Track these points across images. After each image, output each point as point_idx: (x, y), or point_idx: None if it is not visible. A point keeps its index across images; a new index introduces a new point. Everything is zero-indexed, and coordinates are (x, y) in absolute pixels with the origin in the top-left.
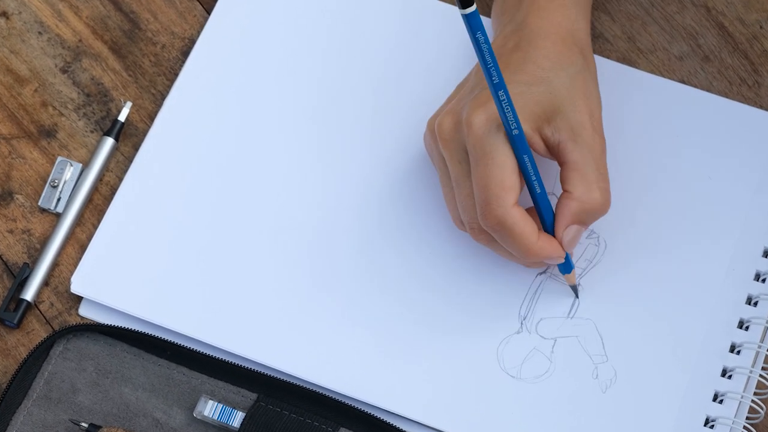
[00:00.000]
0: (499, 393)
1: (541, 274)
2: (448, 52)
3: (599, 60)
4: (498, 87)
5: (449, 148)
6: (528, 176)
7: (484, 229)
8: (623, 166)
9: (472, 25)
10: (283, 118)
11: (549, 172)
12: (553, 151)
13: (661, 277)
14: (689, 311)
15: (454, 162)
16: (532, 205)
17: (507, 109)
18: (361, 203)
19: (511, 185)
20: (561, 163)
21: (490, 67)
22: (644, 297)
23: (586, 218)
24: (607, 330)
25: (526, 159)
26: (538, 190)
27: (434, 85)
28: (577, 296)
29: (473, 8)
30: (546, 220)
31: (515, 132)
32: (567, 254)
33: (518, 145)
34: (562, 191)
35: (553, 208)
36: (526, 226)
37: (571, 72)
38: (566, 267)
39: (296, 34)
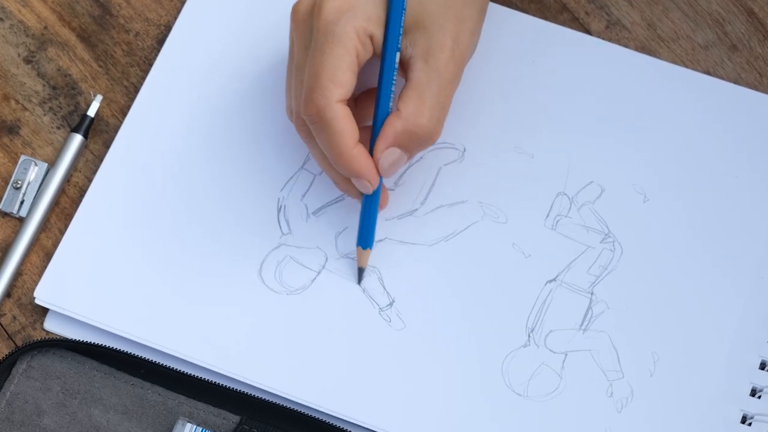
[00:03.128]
0: (504, 412)
1: (550, 281)
2: None
3: (615, 49)
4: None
5: (299, 30)
6: (380, 89)
7: (305, 122)
8: (641, 164)
9: None
10: (264, 111)
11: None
12: (404, 66)
13: (683, 285)
14: (714, 323)
15: (300, 47)
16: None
17: (394, 15)
18: (350, 210)
19: (343, 81)
20: (406, 81)
21: None
22: (664, 307)
23: (409, 143)
24: (622, 343)
25: (384, 78)
26: (378, 118)
27: None
28: (359, 282)
29: None
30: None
31: (389, 46)
32: (373, 218)
33: (389, 59)
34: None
35: None
36: (345, 126)
37: None
38: (363, 237)
39: (279, 21)
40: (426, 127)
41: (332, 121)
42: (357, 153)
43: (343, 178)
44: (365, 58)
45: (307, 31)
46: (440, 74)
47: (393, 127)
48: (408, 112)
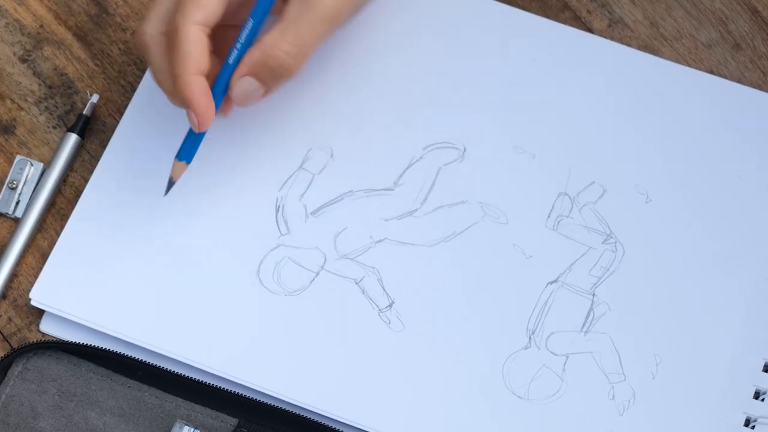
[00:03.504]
0: (504, 415)
1: (552, 283)
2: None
3: (617, 47)
4: None
5: None
6: (240, 36)
7: (161, 34)
8: (643, 164)
9: None
10: (262, 109)
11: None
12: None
13: (685, 287)
14: (717, 325)
15: None
16: None
17: None
18: (350, 210)
19: (206, 5)
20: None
21: None
22: (666, 309)
23: (264, 74)
24: (625, 345)
25: (251, 22)
26: (230, 61)
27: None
28: (166, 193)
29: None
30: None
31: None
32: (199, 138)
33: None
34: None
35: None
36: (192, 49)
37: None
38: (184, 150)
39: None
40: (281, 59)
41: (182, 41)
42: (194, 81)
43: (175, 94)
44: None
45: None
46: (313, 10)
47: (250, 55)
48: (267, 42)
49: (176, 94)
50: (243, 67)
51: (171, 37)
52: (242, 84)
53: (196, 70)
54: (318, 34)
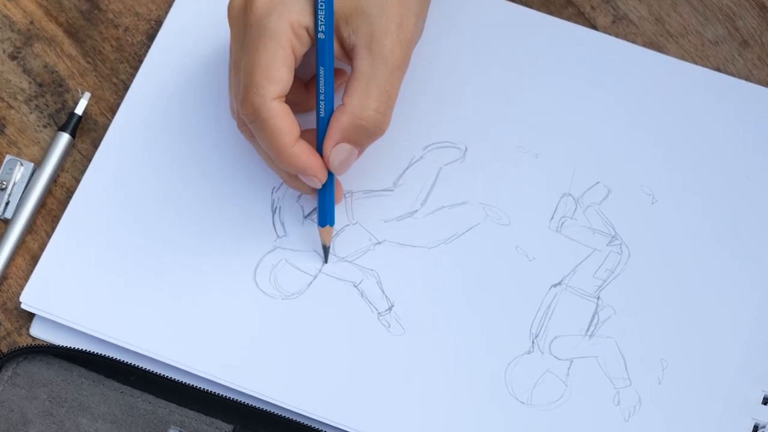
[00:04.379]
0: (507, 421)
1: (555, 286)
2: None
3: (622, 44)
4: None
5: (234, 27)
6: (318, 88)
7: (245, 121)
8: (649, 164)
9: None
10: None
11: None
12: (348, 56)
13: (692, 290)
14: (725, 328)
15: (236, 44)
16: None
17: (322, 6)
18: (347, 211)
19: (277, 78)
20: (351, 71)
21: None
22: (673, 312)
23: (357, 137)
24: (630, 350)
25: (322, 71)
26: (322, 113)
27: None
28: (325, 261)
29: None
30: (320, 142)
31: (321, 36)
32: (330, 196)
33: (321, 51)
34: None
35: None
36: (283, 123)
37: None
38: (324, 215)
39: None
40: (373, 118)
41: (268, 120)
42: (297, 150)
43: (290, 175)
44: (302, 51)
45: (242, 27)
46: (385, 61)
47: (339, 122)
48: (353, 105)
49: (285, 167)
50: (335, 135)
51: (252, 118)
52: (338, 152)
53: (293, 141)
54: (398, 84)
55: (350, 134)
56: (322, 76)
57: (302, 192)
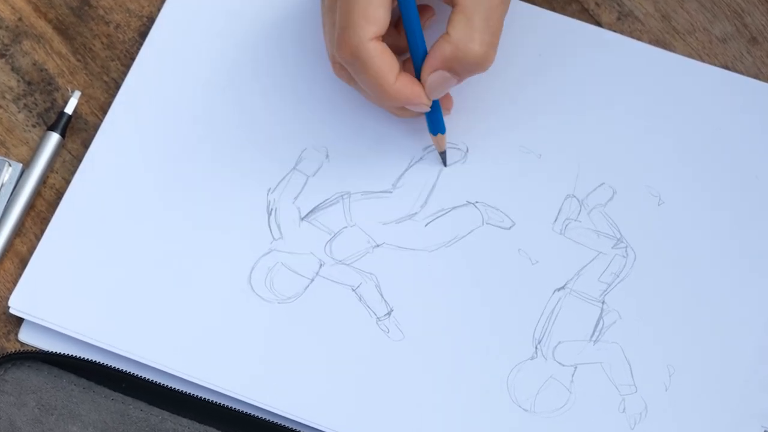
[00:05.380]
0: (509, 429)
1: (559, 290)
2: None
3: (628, 42)
4: None
5: None
6: (407, 16)
7: (342, 65)
8: (655, 165)
9: None
10: (253, 108)
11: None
12: None
13: (700, 294)
14: (733, 333)
15: None
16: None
17: None
18: (345, 213)
19: (375, 18)
20: (453, 5)
21: None
22: (680, 317)
23: (458, 67)
24: (636, 356)
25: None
26: (414, 38)
27: None
28: (444, 164)
29: None
30: (417, 66)
31: None
32: (438, 108)
33: None
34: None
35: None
36: (383, 63)
37: None
38: (434, 125)
39: (268, 11)
40: (477, 52)
41: (368, 60)
42: (400, 86)
43: (397, 108)
44: None
45: None
46: None
47: (442, 50)
48: (458, 36)
49: (390, 103)
50: (435, 62)
51: (351, 60)
52: (436, 77)
53: (394, 78)
54: (501, 18)
55: (451, 64)
56: (410, 10)
57: (412, 116)
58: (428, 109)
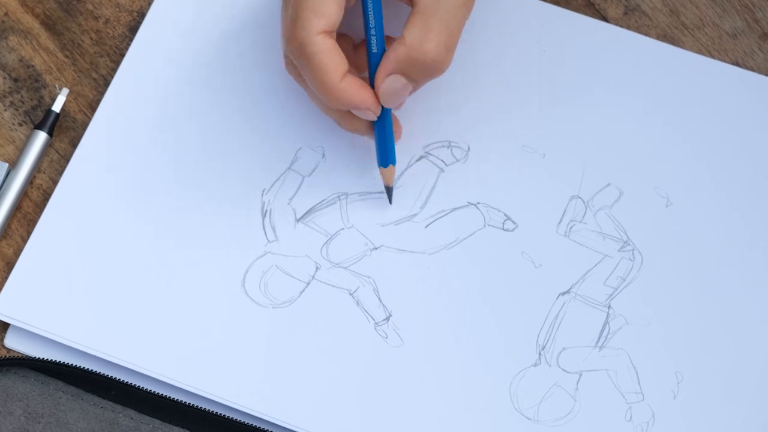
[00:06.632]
0: None
1: (564, 294)
2: None
3: (635, 37)
4: None
5: None
6: (367, 22)
7: (291, 58)
8: (663, 165)
9: None
10: (247, 106)
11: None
12: None
13: (709, 298)
14: (744, 340)
15: None
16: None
17: None
18: (342, 215)
19: (325, 11)
20: (411, 6)
21: None
22: (688, 322)
23: (412, 71)
24: (643, 362)
25: (370, 4)
26: (375, 49)
27: None
28: (390, 201)
29: None
30: (372, 71)
31: None
32: (389, 135)
33: None
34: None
35: None
36: (329, 59)
37: None
38: (384, 155)
39: (258, 7)
40: (432, 53)
41: (313, 55)
42: (345, 86)
43: (342, 114)
44: None
45: None
46: None
47: (396, 52)
48: (412, 38)
49: (333, 104)
50: (389, 65)
51: (298, 54)
52: (391, 82)
53: (340, 77)
54: (461, 21)
55: (406, 67)
56: (371, 9)
57: (359, 133)
58: (375, 118)
